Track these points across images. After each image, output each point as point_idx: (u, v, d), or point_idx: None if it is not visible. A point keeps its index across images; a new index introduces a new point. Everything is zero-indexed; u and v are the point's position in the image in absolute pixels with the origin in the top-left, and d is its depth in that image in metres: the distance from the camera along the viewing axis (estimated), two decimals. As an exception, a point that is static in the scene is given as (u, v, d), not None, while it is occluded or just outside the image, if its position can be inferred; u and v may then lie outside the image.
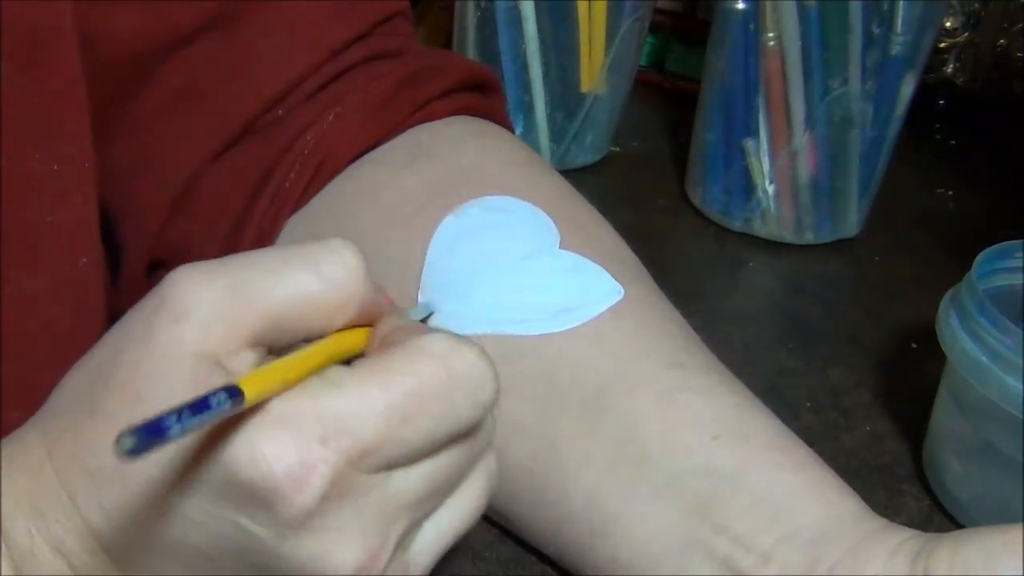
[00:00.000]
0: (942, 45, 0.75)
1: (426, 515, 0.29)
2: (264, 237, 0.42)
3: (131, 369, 0.26)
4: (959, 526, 0.45)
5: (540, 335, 0.38)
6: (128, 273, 0.44)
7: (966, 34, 0.75)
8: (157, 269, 0.44)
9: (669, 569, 0.35)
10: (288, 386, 0.26)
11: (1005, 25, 0.75)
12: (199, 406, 0.23)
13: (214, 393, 0.23)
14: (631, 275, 0.41)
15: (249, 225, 0.42)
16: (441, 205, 0.41)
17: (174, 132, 0.43)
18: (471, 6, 0.66)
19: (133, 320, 0.28)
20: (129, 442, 0.21)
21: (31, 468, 0.27)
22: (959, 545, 0.31)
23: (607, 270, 0.40)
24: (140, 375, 0.26)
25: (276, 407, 0.25)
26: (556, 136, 0.69)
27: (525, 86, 0.66)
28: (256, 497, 0.25)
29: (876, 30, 0.58)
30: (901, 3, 0.57)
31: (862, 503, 0.35)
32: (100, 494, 0.27)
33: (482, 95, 0.48)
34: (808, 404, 0.51)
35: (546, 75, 0.66)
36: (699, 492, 0.35)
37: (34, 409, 0.30)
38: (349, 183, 0.43)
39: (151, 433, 0.22)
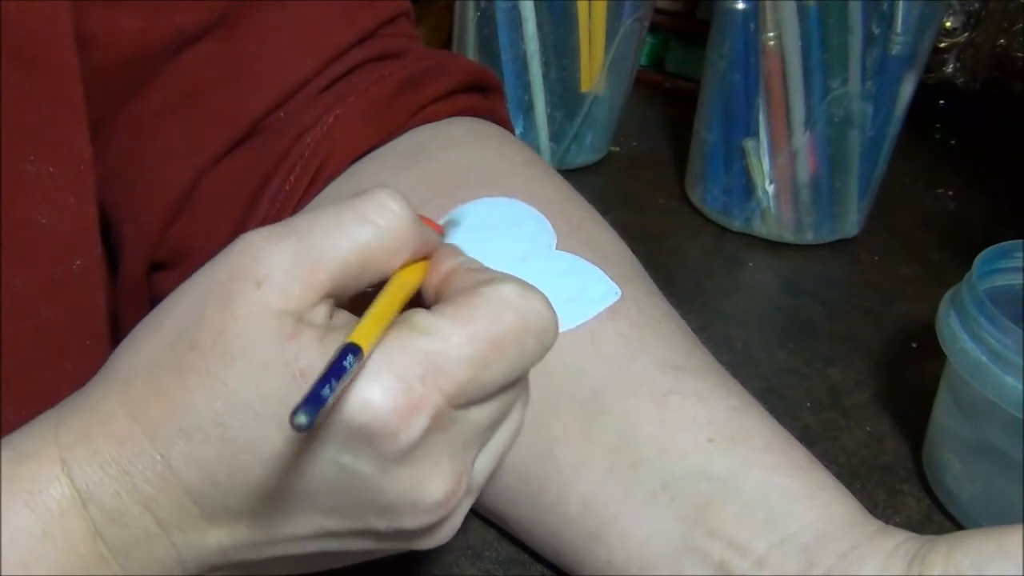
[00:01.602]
0: (942, 45, 0.75)
1: (488, 440, 0.31)
2: (264, 238, 0.42)
3: (218, 331, 0.28)
4: (959, 526, 0.45)
5: None
6: (128, 274, 0.44)
7: (966, 34, 0.75)
8: (157, 270, 0.44)
9: (665, 572, 0.35)
10: (382, 334, 0.28)
11: (1005, 25, 0.75)
12: (338, 370, 0.25)
13: (343, 355, 0.25)
14: (629, 275, 0.41)
15: (250, 226, 0.42)
16: (440, 205, 0.41)
17: (175, 134, 0.43)
18: (471, 6, 0.66)
19: (204, 288, 0.29)
20: (304, 418, 0.23)
21: (116, 435, 0.28)
22: (953, 548, 0.31)
23: (604, 271, 0.40)
24: (229, 336, 0.27)
25: (376, 353, 0.27)
26: (556, 136, 0.69)
27: (525, 86, 0.67)
28: (365, 437, 0.27)
29: (876, 30, 0.58)
30: (901, 3, 0.57)
31: (858, 506, 0.35)
32: (197, 452, 0.28)
33: (483, 96, 0.48)
34: (808, 404, 0.52)
35: (546, 75, 0.66)
36: (694, 496, 0.35)
37: (28, 410, 0.30)
38: (349, 184, 0.43)
39: (317, 404, 0.24)
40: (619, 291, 0.39)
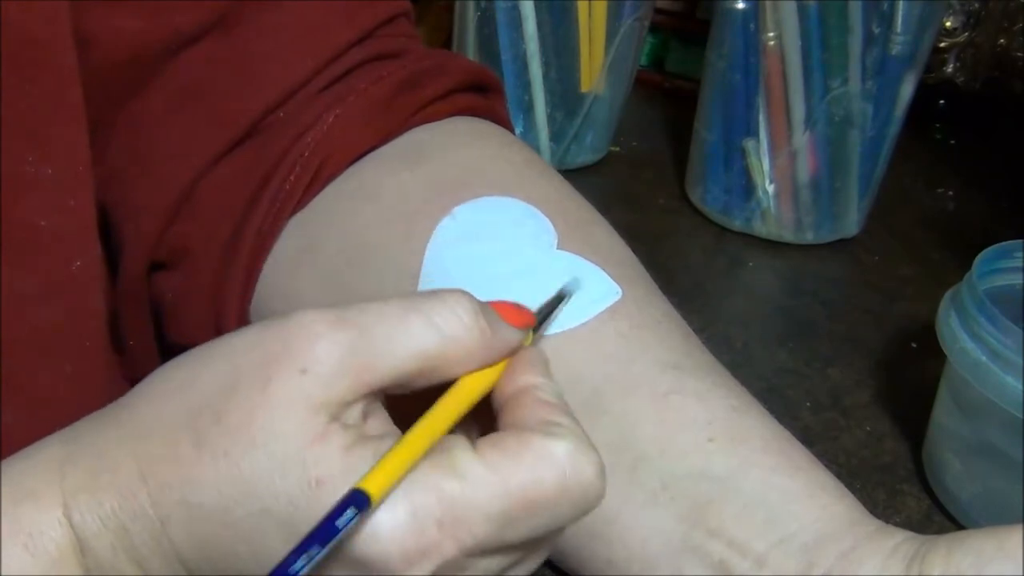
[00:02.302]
0: (942, 45, 0.75)
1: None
2: (264, 238, 0.42)
3: (247, 412, 0.27)
4: (959, 526, 0.45)
5: None
6: (128, 274, 0.44)
7: (966, 34, 0.75)
8: (157, 270, 0.44)
9: (665, 572, 0.35)
10: (408, 470, 0.27)
11: (1005, 25, 0.75)
12: (325, 534, 0.24)
13: (339, 511, 0.24)
14: (629, 275, 0.41)
15: (249, 227, 0.42)
16: (440, 206, 0.41)
17: (175, 134, 0.43)
18: (471, 6, 0.66)
19: (248, 358, 0.28)
20: None
21: (122, 489, 0.27)
22: (953, 548, 0.31)
23: (605, 270, 0.40)
24: (257, 421, 0.27)
25: (399, 488, 0.26)
26: (556, 136, 0.69)
27: (525, 86, 0.66)
28: (369, 569, 0.26)
29: (876, 30, 0.58)
30: (901, 3, 0.57)
31: (858, 505, 0.35)
32: (196, 527, 0.27)
33: (483, 96, 0.48)
34: (808, 404, 0.51)
35: (546, 75, 0.66)
36: (694, 495, 0.35)
37: (27, 412, 0.30)
38: (349, 184, 0.43)
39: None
40: (619, 291, 0.39)
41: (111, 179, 0.43)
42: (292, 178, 0.42)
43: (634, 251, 0.44)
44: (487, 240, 0.40)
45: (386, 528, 0.26)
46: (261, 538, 0.27)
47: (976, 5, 0.74)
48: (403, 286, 0.40)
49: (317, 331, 0.27)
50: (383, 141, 0.44)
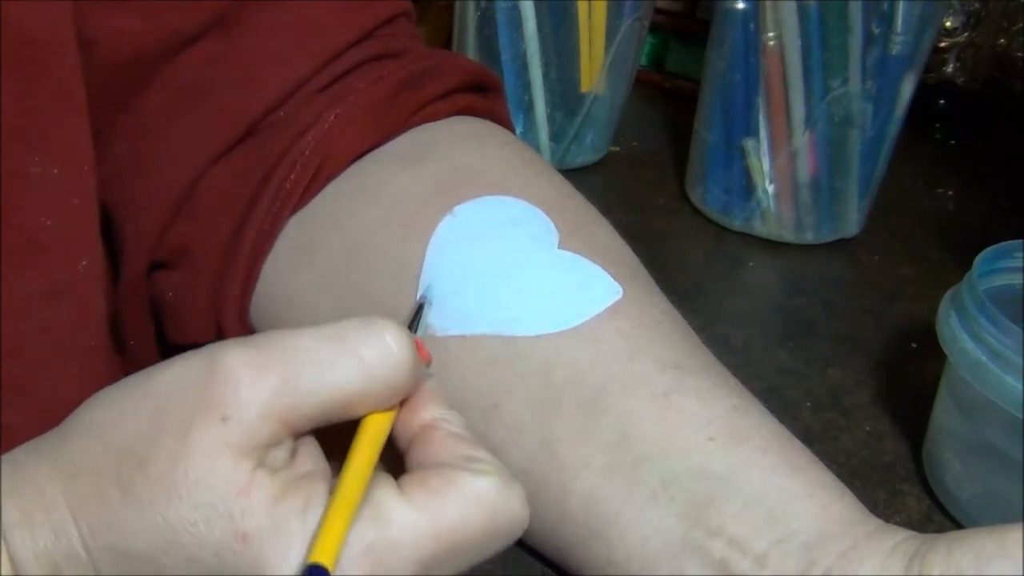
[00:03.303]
0: (942, 45, 0.75)
1: None
2: (265, 238, 0.42)
3: (169, 461, 0.27)
4: (959, 526, 0.45)
5: (537, 335, 0.38)
6: (129, 274, 0.44)
7: (966, 34, 0.75)
8: (158, 270, 0.44)
9: (665, 571, 0.35)
10: (352, 521, 0.27)
11: (1005, 25, 0.75)
12: None
13: None
14: (629, 274, 0.41)
15: (250, 226, 0.42)
16: (441, 205, 0.41)
17: (176, 134, 0.43)
18: (471, 6, 0.66)
19: (171, 399, 0.28)
20: None
21: (55, 529, 0.27)
22: (953, 547, 0.31)
23: (605, 270, 0.40)
24: (179, 470, 0.27)
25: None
26: (556, 136, 0.69)
27: (525, 86, 0.66)
28: None
29: (876, 30, 0.58)
30: (901, 3, 0.57)
31: (858, 504, 0.35)
32: (125, 570, 0.27)
33: (483, 96, 0.48)
34: (808, 404, 0.51)
35: (546, 75, 0.66)
36: (695, 494, 0.35)
37: (29, 413, 0.30)
38: (349, 183, 0.43)
39: None
40: (620, 290, 0.39)
41: (112, 179, 0.43)
42: (292, 177, 0.42)
43: (634, 251, 0.44)
44: (488, 239, 0.40)
45: None
46: None
47: (976, 5, 0.74)
48: (403, 285, 0.40)
49: (238, 376, 0.27)
50: (383, 141, 0.44)
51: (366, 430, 0.29)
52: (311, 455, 0.29)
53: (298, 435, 0.28)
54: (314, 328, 0.29)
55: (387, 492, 0.28)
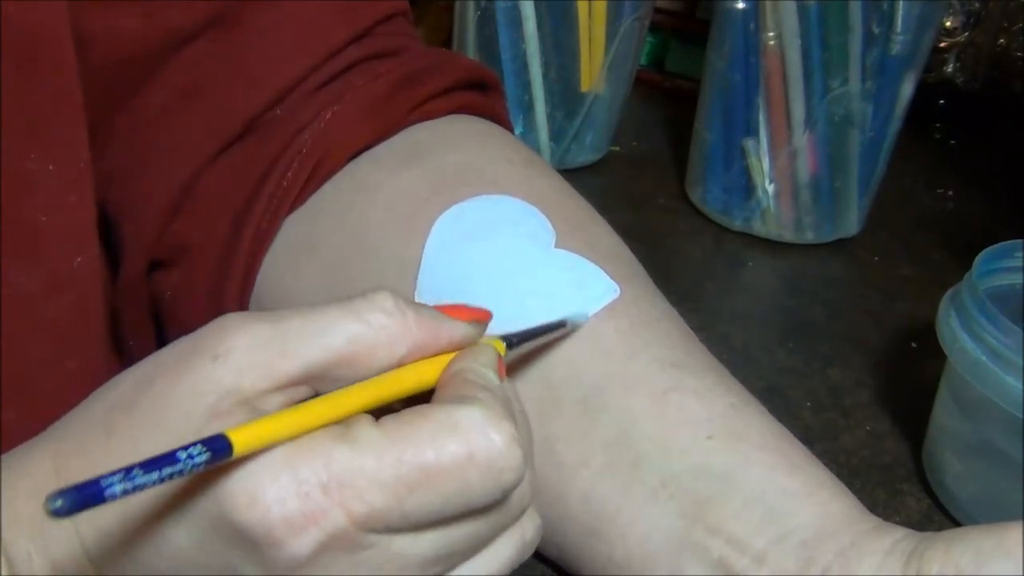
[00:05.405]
0: (942, 45, 0.75)
1: (442, 573, 0.29)
2: (263, 236, 0.42)
3: (157, 397, 0.27)
4: (959, 525, 0.45)
5: None
6: (128, 273, 0.44)
7: (966, 34, 0.75)
8: (157, 269, 0.44)
9: (664, 569, 0.35)
10: (297, 435, 0.26)
11: (1005, 25, 0.75)
12: (159, 462, 0.22)
13: (187, 447, 0.23)
14: (628, 274, 0.41)
15: (248, 224, 0.42)
16: (439, 204, 0.41)
17: (174, 132, 0.43)
18: (471, 6, 0.66)
19: (169, 354, 0.28)
20: (56, 503, 0.21)
21: (37, 492, 0.27)
22: (952, 545, 0.31)
23: (604, 269, 0.40)
24: (163, 403, 0.26)
25: (283, 451, 0.25)
26: (556, 136, 0.69)
27: (525, 86, 0.66)
28: (250, 539, 0.25)
29: (876, 30, 0.58)
30: (901, 3, 0.57)
31: (857, 503, 0.35)
32: (100, 518, 0.27)
33: (482, 94, 0.48)
34: (808, 404, 0.51)
35: (546, 75, 0.66)
36: (694, 493, 0.35)
37: (29, 409, 0.30)
38: (347, 182, 0.43)
39: (83, 495, 0.21)
40: (618, 289, 0.39)
41: (111, 178, 0.43)
42: (290, 175, 0.42)
43: (634, 251, 0.44)
44: (485, 238, 0.40)
45: (267, 492, 0.25)
46: (155, 517, 0.26)
47: (976, 5, 0.74)
48: (402, 284, 0.40)
49: (236, 323, 0.27)
50: (381, 139, 0.44)
51: (385, 375, 0.28)
52: None
53: (298, 390, 0.28)
54: (314, 305, 0.29)
55: (361, 418, 0.27)
